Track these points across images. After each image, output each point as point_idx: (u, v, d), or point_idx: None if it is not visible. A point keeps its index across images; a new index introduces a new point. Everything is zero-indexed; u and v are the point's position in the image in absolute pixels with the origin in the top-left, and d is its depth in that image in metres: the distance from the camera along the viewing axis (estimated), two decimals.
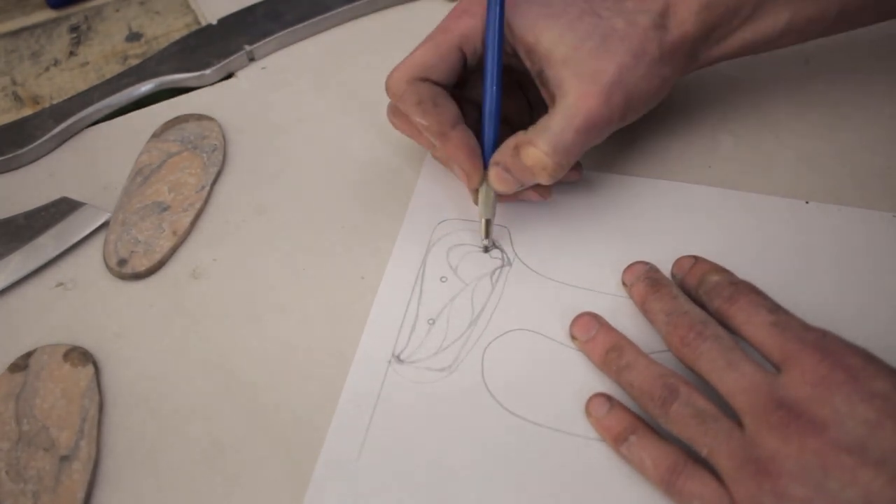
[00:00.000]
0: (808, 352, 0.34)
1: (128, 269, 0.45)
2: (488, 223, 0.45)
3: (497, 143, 0.43)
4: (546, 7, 0.42)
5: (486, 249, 0.45)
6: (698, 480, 0.35)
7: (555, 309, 0.43)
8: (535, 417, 0.39)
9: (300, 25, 0.57)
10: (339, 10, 0.58)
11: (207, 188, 0.49)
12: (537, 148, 0.41)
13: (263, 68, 0.56)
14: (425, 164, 0.49)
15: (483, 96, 0.43)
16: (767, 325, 0.36)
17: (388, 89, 0.43)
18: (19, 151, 0.51)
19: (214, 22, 0.58)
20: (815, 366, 0.33)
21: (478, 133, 0.44)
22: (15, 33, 0.60)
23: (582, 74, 0.41)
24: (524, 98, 0.47)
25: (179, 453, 0.39)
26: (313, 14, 0.58)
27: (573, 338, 0.42)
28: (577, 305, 0.43)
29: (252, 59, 0.57)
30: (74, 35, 0.59)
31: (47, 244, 0.46)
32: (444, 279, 0.44)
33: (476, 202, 0.45)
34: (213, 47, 0.56)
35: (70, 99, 0.54)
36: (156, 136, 0.52)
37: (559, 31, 0.41)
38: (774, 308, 0.37)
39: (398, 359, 0.41)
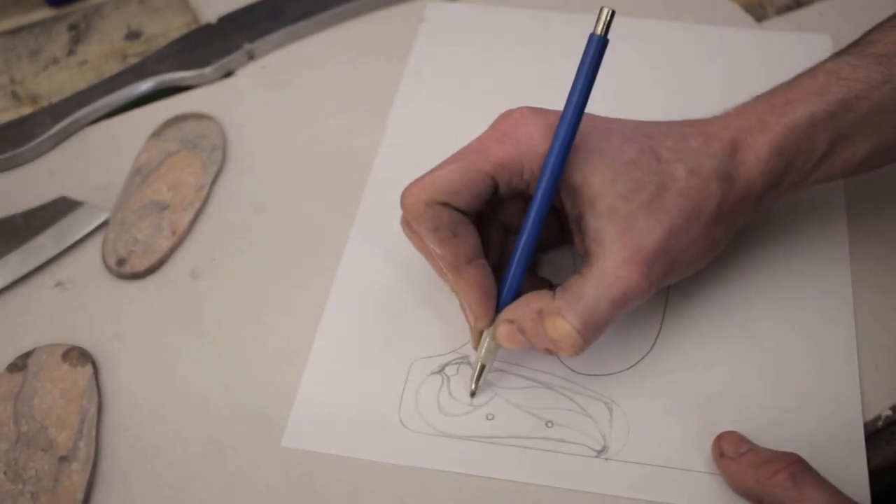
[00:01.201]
0: None
1: (127, 269, 0.45)
2: (483, 370, 0.40)
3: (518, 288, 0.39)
4: (600, 140, 0.37)
5: (473, 395, 0.40)
6: None
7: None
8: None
9: (300, 24, 0.57)
10: (340, 8, 0.58)
11: (207, 187, 0.49)
12: (567, 321, 0.36)
13: (263, 67, 0.56)
14: None
15: (517, 243, 0.38)
16: None
17: (403, 206, 0.37)
18: (18, 150, 0.51)
19: (214, 20, 0.58)
20: None
21: (496, 268, 0.39)
22: (13, 32, 0.59)
23: (626, 233, 0.36)
24: (556, 219, 0.42)
25: (178, 454, 0.39)
26: (314, 12, 0.58)
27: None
28: None
29: (252, 58, 0.56)
30: (73, 33, 0.59)
31: (46, 243, 0.46)
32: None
33: (475, 345, 0.40)
34: (212, 46, 0.56)
35: (69, 98, 0.54)
36: (155, 135, 0.52)
37: (612, 174, 0.36)
38: None
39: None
